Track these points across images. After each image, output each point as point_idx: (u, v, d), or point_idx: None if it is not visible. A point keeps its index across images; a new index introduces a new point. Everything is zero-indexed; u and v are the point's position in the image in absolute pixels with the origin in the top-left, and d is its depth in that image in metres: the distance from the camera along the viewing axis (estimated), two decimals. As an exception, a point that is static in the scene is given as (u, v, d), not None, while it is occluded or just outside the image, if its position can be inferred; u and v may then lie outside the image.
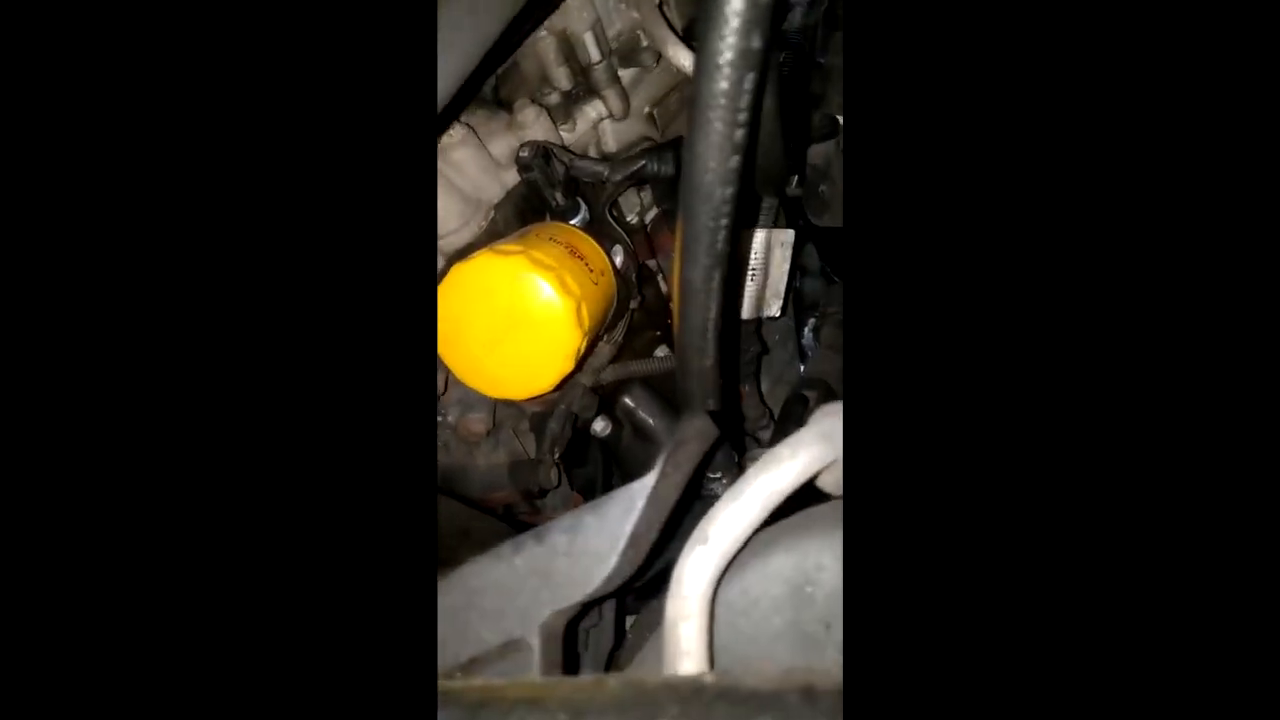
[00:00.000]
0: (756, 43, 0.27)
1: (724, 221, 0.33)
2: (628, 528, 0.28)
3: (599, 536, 0.28)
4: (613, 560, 0.28)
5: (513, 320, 0.53)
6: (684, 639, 0.26)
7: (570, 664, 0.31)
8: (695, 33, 0.29)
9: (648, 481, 0.28)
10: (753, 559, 0.29)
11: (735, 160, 0.31)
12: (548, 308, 0.52)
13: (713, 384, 0.42)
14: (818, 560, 0.29)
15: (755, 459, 0.52)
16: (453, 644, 0.29)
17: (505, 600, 0.28)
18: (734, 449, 0.51)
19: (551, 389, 0.56)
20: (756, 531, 0.28)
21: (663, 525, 0.31)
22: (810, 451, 0.27)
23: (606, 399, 0.75)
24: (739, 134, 0.30)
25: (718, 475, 0.47)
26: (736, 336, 0.69)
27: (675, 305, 0.38)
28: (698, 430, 0.32)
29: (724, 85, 0.28)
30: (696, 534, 0.27)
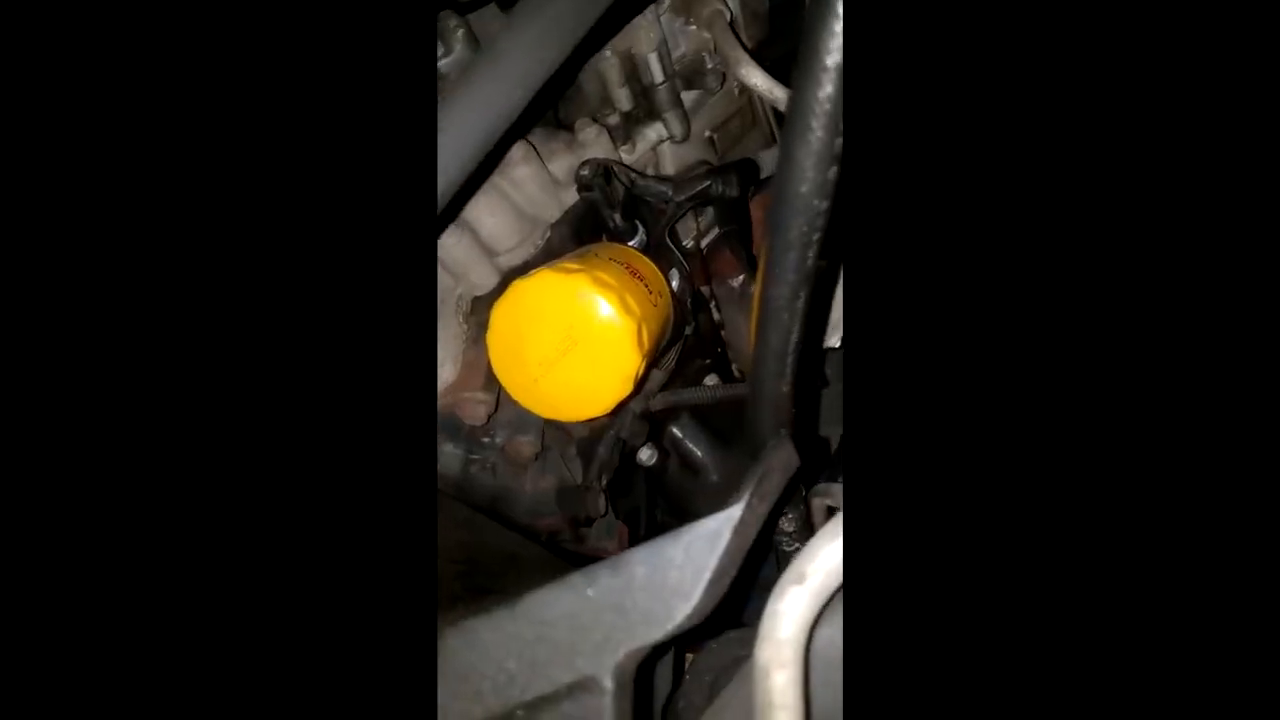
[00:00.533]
0: (867, 45, 0.26)
1: (816, 236, 0.31)
2: (713, 562, 0.26)
3: (682, 570, 0.26)
4: (696, 596, 0.25)
5: (572, 340, 0.51)
6: (778, 691, 0.23)
7: (642, 709, 0.28)
8: (800, 38, 0.27)
9: (734, 514, 0.26)
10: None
11: (834, 171, 0.29)
12: (609, 328, 0.50)
13: (786, 412, 0.39)
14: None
15: (820, 492, 0.50)
16: (520, 678, 0.26)
17: (578, 635, 0.26)
18: (803, 483, 0.48)
19: (607, 413, 0.54)
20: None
21: (744, 560, 0.29)
22: (920, 486, 0.25)
23: (654, 427, 0.73)
24: (838, 143, 0.28)
25: (784, 510, 0.45)
26: (820, 364, 0.66)
27: (754, 323, 0.36)
28: (783, 460, 0.30)
29: (830, 90, 0.27)
30: (791, 572, 0.25)
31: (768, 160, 0.78)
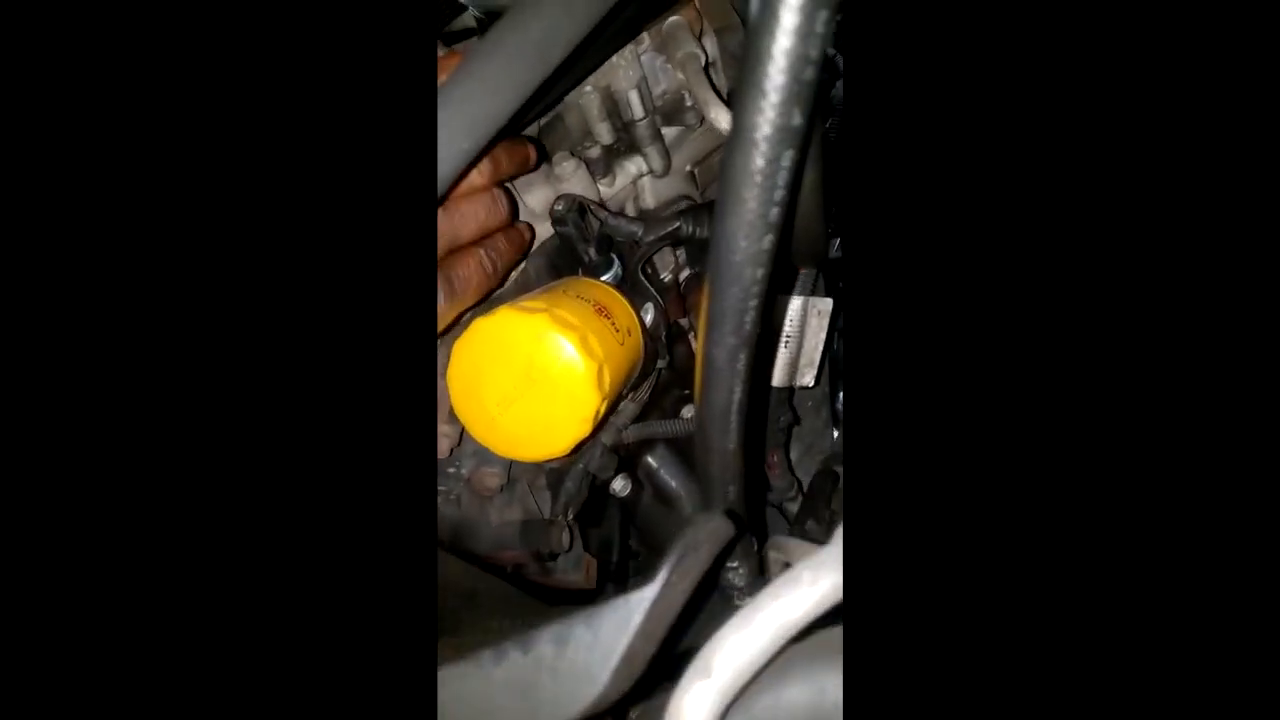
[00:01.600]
0: (797, 120, 0.25)
1: (753, 303, 0.31)
2: (622, 644, 0.25)
3: (590, 651, 0.25)
4: (603, 679, 0.25)
5: (531, 379, 0.50)
6: (677, 790, 0.22)
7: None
8: (732, 102, 0.27)
9: (648, 593, 0.25)
10: (761, 691, 0.26)
11: (769, 240, 0.29)
12: (568, 369, 0.50)
13: (735, 468, 0.39)
14: (836, 697, 0.25)
15: (777, 545, 0.49)
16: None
17: (481, 718, 0.25)
18: (755, 534, 0.47)
19: (566, 453, 0.53)
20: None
21: (664, 637, 0.28)
22: (832, 578, 0.24)
23: (628, 458, 0.73)
24: (774, 212, 0.28)
25: (735, 565, 0.44)
26: (763, 417, 0.66)
27: (698, 382, 0.36)
28: (710, 532, 0.29)
29: (760, 163, 0.26)
30: (698, 663, 0.24)
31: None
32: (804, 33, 0.24)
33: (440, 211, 0.50)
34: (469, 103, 0.34)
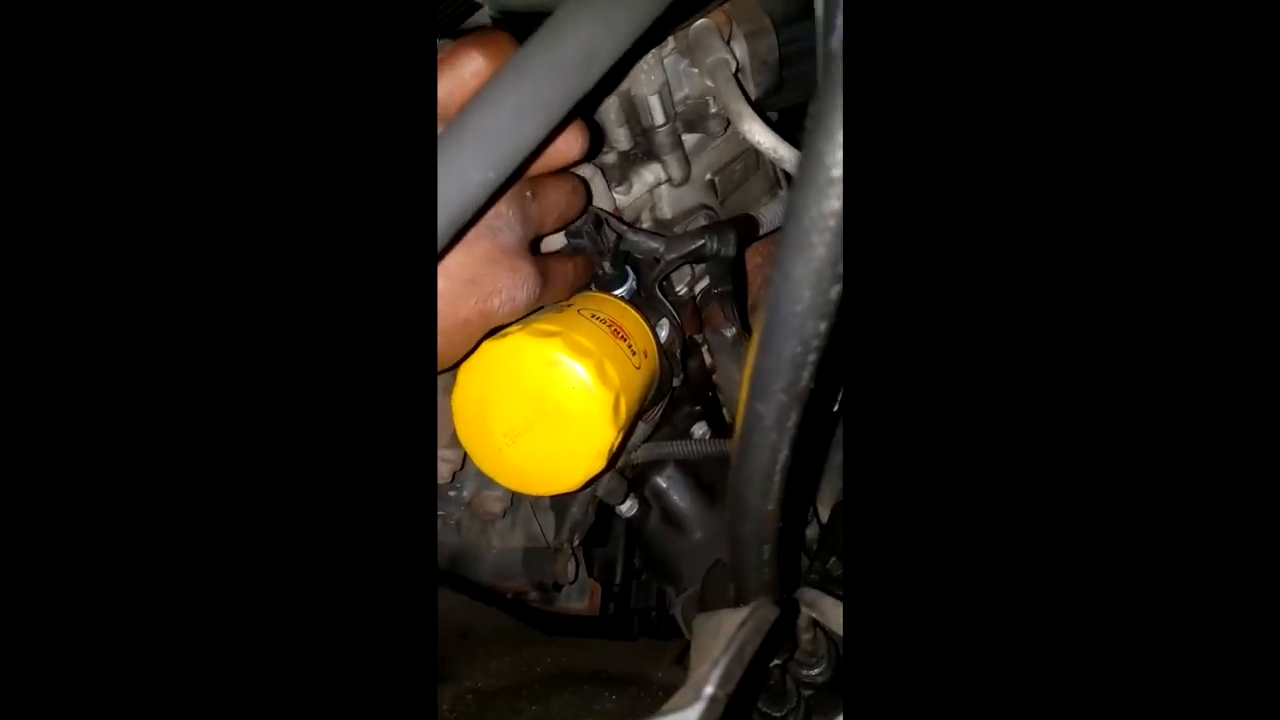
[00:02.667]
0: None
1: (812, 357, 0.27)
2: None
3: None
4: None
5: (543, 410, 0.47)
6: None
7: None
8: (803, 136, 0.23)
9: (691, 715, 0.22)
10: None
11: (836, 291, 0.25)
12: (583, 400, 0.46)
13: (771, 528, 0.35)
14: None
15: (806, 600, 0.45)
16: None
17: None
18: (786, 583, 0.43)
19: (578, 489, 0.49)
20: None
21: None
22: None
23: (636, 477, 0.69)
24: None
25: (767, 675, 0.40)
26: (809, 479, 0.62)
27: (736, 436, 0.32)
28: (751, 630, 0.25)
29: (835, 204, 0.22)
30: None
31: (768, 210, 0.74)
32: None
33: (529, 196, 0.45)
34: (496, 130, 0.30)
